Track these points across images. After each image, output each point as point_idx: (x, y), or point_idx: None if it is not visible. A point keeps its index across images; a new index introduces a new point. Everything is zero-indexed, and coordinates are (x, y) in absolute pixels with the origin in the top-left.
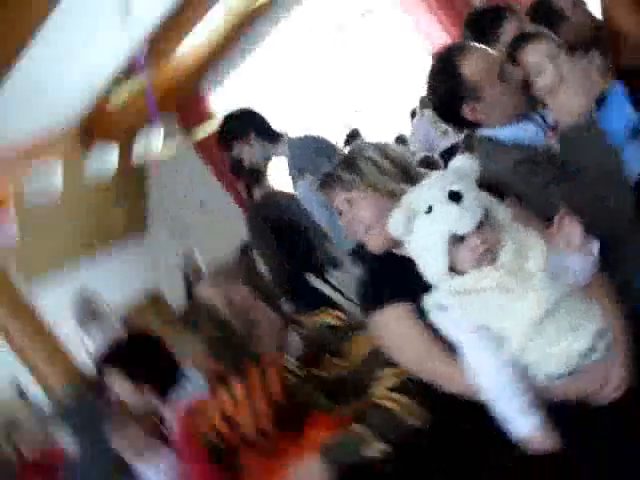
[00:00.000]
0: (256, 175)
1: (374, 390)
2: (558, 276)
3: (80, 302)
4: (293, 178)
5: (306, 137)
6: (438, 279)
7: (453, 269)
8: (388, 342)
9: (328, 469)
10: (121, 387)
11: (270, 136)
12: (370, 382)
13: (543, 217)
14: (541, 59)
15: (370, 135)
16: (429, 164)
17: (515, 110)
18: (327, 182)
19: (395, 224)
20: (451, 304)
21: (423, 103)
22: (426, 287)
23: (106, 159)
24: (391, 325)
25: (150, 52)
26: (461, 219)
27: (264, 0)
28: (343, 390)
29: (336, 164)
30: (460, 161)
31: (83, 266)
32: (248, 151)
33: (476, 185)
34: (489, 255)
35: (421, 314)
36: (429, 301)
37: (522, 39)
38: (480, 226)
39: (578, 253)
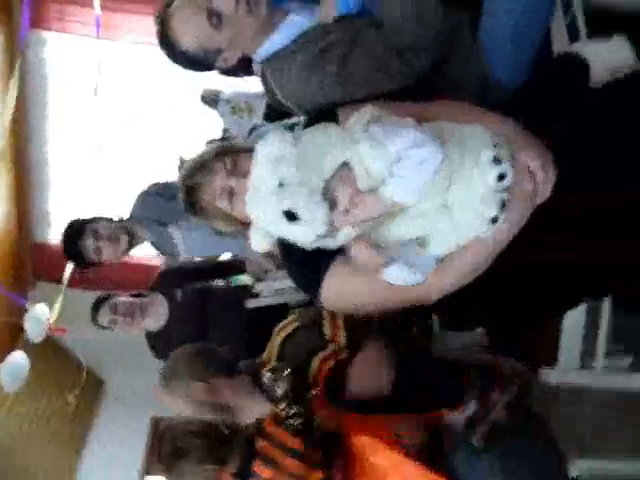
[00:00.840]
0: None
1: None
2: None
3: None
4: (161, 238)
5: (141, 200)
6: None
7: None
8: (349, 303)
9: None
10: None
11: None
12: None
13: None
14: None
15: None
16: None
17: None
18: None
19: (259, 244)
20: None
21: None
22: None
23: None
24: (342, 290)
25: None
26: (311, 229)
27: None
28: None
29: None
30: (268, 152)
31: None
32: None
33: (300, 163)
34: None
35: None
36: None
37: None
38: (333, 203)
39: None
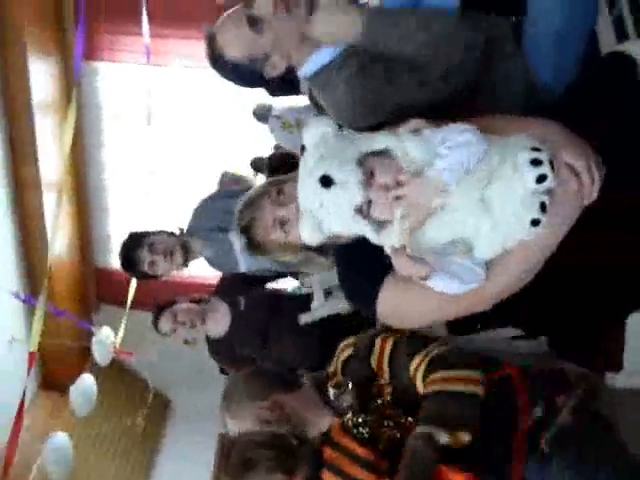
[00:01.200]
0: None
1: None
2: (452, 150)
3: None
4: (220, 249)
5: (200, 211)
6: (382, 241)
7: (381, 225)
8: (404, 316)
9: None
10: None
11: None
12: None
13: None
14: None
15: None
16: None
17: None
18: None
19: (310, 235)
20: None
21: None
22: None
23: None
24: (395, 302)
25: None
26: (346, 196)
27: None
28: (406, 402)
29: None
30: (310, 135)
31: None
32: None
33: (338, 139)
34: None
35: None
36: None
37: None
38: (370, 175)
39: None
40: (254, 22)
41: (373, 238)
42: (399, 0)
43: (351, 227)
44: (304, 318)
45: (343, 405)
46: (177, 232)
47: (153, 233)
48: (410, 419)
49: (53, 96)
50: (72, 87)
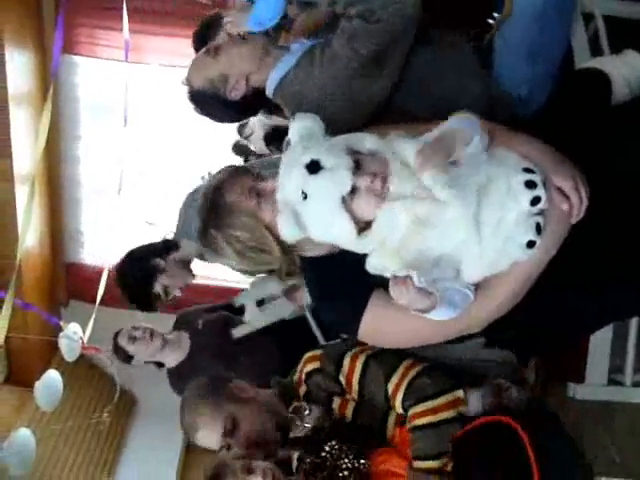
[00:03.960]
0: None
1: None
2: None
3: None
4: None
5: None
6: (359, 245)
7: (363, 227)
8: (389, 338)
9: None
10: None
11: (169, 248)
12: (386, 401)
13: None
14: None
15: None
16: (240, 150)
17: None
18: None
19: (288, 230)
20: (389, 262)
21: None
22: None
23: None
24: (378, 325)
25: None
26: (335, 180)
27: None
28: (368, 417)
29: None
30: (296, 130)
31: None
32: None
33: (324, 134)
34: (385, 186)
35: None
36: (372, 269)
37: None
38: (358, 165)
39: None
40: (212, 49)
41: (350, 240)
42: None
43: (333, 222)
44: (235, 332)
45: (298, 431)
46: (168, 236)
47: (149, 259)
48: (363, 462)
49: (30, 88)
50: (49, 80)
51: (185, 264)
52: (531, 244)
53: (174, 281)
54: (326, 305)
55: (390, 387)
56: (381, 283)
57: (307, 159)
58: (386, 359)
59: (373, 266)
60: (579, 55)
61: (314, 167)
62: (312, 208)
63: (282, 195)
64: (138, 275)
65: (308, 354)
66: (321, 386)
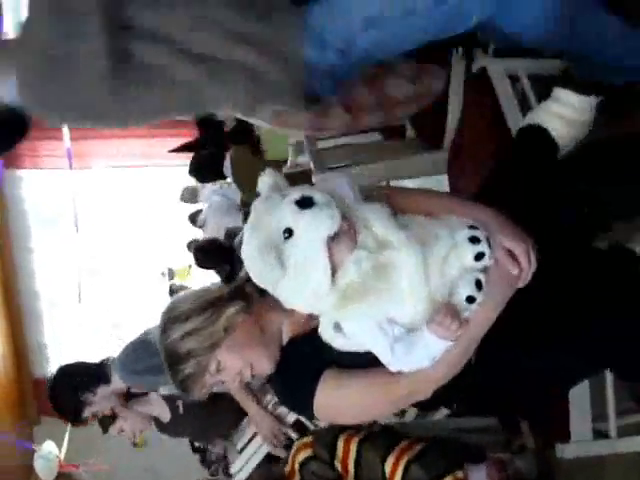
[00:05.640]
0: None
1: None
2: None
3: None
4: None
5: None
6: (324, 297)
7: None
8: (344, 415)
9: None
10: None
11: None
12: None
13: None
14: None
15: None
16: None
17: None
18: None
19: (271, 272)
20: (343, 318)
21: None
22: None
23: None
24: (330, 402)
25: None
26: (328, 214)
27: None
28: None
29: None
30: (265, 182)
31: None
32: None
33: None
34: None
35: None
36: (326, 336)
37: None
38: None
39: None
40: None
41: (323, 290)
42: None
43: (317, 263)
44: (162, 390)
45: None
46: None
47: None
48: None
49: None
50: None
51: (118, 395)
52: (470, 299)
53: (104, 407)
54: (277, 387)
55: (387, 468)
56: (332, 361)
57: (297, 195)
58: (380, 440)
59: (328, 333)
60: (510, 115)
61: (307, 202)
62: (299, 244)
63: (263, 240)
64: (69, 405)
65: (298, 442)
66: (316, 473)
